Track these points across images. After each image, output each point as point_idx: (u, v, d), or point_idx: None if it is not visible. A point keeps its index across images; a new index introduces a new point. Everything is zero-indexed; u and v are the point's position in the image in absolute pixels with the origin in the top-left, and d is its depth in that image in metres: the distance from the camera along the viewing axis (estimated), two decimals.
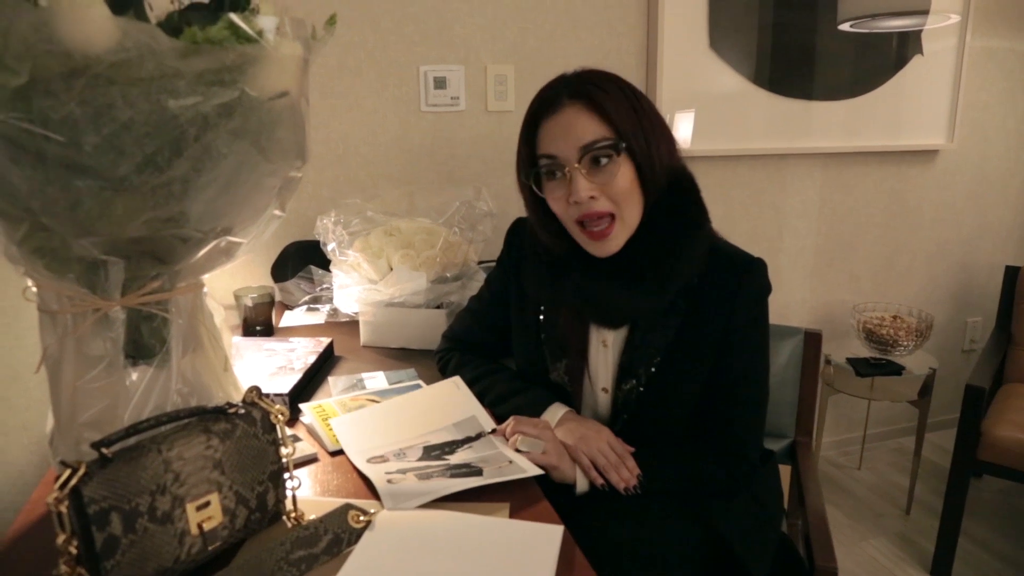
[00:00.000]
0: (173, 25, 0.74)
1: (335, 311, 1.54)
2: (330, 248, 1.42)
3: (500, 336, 1.29)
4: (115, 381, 0.83)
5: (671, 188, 1.05)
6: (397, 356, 1.43)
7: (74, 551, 0.70)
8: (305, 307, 1.59)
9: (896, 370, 2.09)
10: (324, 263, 1.59)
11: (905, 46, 2.25)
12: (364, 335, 1.47)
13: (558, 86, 1.03)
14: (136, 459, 0.74)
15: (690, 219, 1.06)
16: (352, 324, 1.54)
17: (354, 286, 1.41)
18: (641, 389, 1.10)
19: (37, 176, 0.70)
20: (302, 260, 1.64)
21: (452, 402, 1.16)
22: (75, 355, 0.83)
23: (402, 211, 1.45)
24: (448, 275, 1.40)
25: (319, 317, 1.60)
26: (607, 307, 1.09)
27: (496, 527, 0.87)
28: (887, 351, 2.17)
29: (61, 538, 0.69)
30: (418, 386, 1.25)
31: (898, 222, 2.48)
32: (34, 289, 0.85)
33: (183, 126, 0.69)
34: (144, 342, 0.86)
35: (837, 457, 2.60)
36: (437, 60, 1.82)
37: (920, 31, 2.25)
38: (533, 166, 1.06)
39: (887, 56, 2.25)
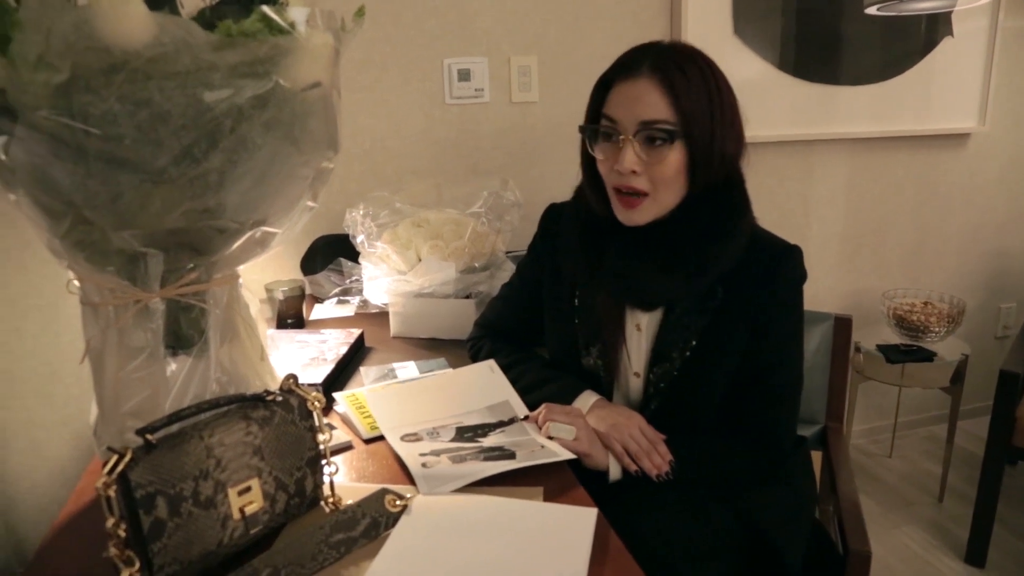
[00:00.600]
0: (205, 20, 0.76)
1: (365, 303, 1.56)
2: (359, 240, 1.44)
3: (531, 323, 1.29)
4: (156, 371, 0.86)
5: (723, 176, 1.06)
6: (427, 346, 1.44)
7: (123, 534, 0.71)
8: (336, 299, 1.61)
9: (927, 356, 2.07)
10: (352, 256, 1.61)
11: (935, 28, 2.21)
12: (394, 326, 1.48)
13: (645, 53, 1.03)
14: (179, 445, 0.75)
15: (733, 208, 1.07)
16: (381, 315, 1.56)
17: (383, 277, 1.43)
18: (675, 374, 1.10)
19: (79, 170, 0.72)
20: (331, 254, 1.66)
21: (486, 385, 1.17)
22: (117, 346, 0.85)
23: (430, 202, 1.46)
24: (476, 265, 1.41)
25: (348, 309, 1.62)
26: (644, 289, 1.10)
27: (531, 510, 0.88)
28: (918, 337, 2.15)
29: (110, 522, 0.71)
30: None
31: (928, 208, 2.45)
32: (76, 283, 0.88)
33: (219, 118, 0.71)
34: (183, 333, 0.88)
35: (868, 445, 2.58)
36: (461, 53, 1.82)
37: (950, 12, 2.21)
38: (594, 122, 1.07)
39: (916, 39, 2.21)
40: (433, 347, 1.43)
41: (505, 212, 1.45)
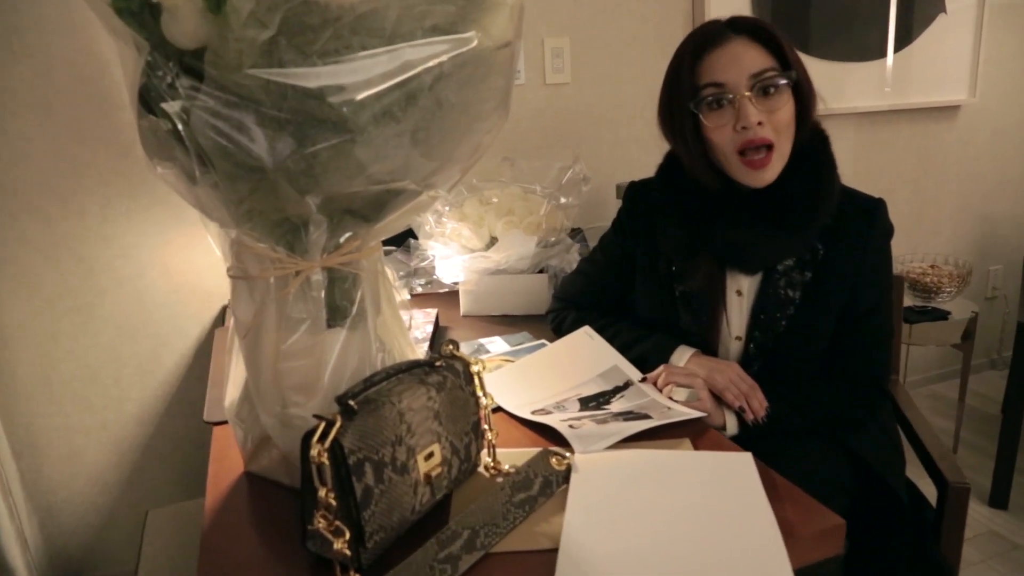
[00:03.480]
0: None
1: (429, 283, 1.55)
2: (429, 219, 1.43)
3: (614, 297, 1.30)
4: (318, 342, 0.84)
5: (810, 135, 1.10)
6: (500, 322, 1.44)
7: (333, 503, 0.70)
8: (403, 282, 1.59)
9: (942, 315, 2.17)
10: (398, 240, 1.60)
11: (930, 5, 2.32)
12: (464, 305, 1.47)
13: (716, 24, 1.08)
14: (376, 411, 0.74)
15: (826, 165, 1.12)
16: (444, 296, 1.55)
17: (455, 256, 1.42)
18: (781, 332, 1.13)
19: (268, 132, 0.70)
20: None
21: (590, 353, 1.17)
22: (277, 319, 0.83)
23: (506, 178, 1.46)
24: (551, 239, 1.42)
25: (404, 293, 1.60)
26: (753, 254, 1.12)
27: (688, 459, 0.90)
28: (930, 298, 2.25)
29: (323, 491, 0.69)
30: (542, 345, 1.26)
31: (926, 177, 2.55)
32: (219, 254, 0.86)
33: (420, 76, 0.70)
34: (337, 304, 0.86)
35: None
36: None
37: None
38: (693, 97, 1.07)
39: (913, 16, 2.31)
40: (506, 323, 1.43)
41: (572, 188, 1.45)
